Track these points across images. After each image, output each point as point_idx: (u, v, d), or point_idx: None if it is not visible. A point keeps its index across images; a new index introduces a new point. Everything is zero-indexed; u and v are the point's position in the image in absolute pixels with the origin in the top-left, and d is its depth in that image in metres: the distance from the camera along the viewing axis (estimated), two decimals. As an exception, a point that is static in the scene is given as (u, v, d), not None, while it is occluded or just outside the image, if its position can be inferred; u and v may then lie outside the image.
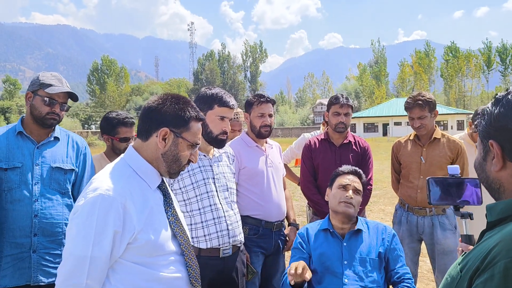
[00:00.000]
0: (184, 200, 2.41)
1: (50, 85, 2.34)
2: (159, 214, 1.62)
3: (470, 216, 1.61)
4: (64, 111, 2.43)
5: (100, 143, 33.74)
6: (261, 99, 3.03)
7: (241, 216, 2.66)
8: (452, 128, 49.49)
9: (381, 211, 8.53)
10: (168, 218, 1.65)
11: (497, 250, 0.91)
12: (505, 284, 0.87)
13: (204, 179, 2.44)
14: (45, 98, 2.34)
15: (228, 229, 2.43)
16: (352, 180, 2.56)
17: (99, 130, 3.16)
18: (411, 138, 3.51)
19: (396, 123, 51.18)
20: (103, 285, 1.51)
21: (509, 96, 1.02)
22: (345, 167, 2.65)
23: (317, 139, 3.53)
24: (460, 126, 50.52)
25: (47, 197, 2.33)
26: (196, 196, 2.40)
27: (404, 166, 3.47)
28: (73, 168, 2.46)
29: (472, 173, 3.09)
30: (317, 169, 3.42)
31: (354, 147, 3.44)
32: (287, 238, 3.11)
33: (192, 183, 2.41)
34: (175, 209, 1.71)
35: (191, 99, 1.81)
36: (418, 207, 3.37)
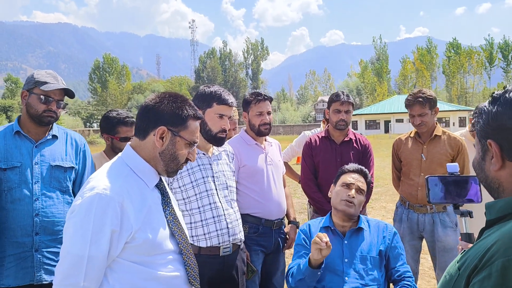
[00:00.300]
0: (183, 199, 2.40)
1: (45, 83, 2.32)
2: (157, 213, 1.62)
3: (469, 214, 1.60)
4: (61, 109, 2.42)
5: (101, 142, 33.78)
6: (259, 98, 3.01)
7: (241, 214, 2.65)
8: (454, 125, 49.38)
9: (383, 208, 8.53)
10: (166, 217, 1.64)
11: (495, 249, 0.91)
12: (503, 282, 0.86)
13: (203, 177, 2.43)
14: (41, 96, 2.32)
15: (228, 227, 2.42)
16: (356, 179, 2.54)
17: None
18: (412, 135, 3.50)
19: (398, 120, 51.08)
20: (101, 284, 1.51)
21: (507, 95, 1.01)
22: (351, 165, 2.64)
23: (318, 136, 3.51)
24: (462, 122, 50.41)
25: (48, 196, 2.33)
26: (196, 194, 2.40)
27: (405, 164, 3.46)
28: (73, 165, 2.46)
29: (473, 171, 3.08)
30: (318, 167, 3.41)
31: (355, 144, 3.43)
32: (287, 236, 3.11)
33: (192, 182, 2.41)
34: (173, 208, 1.70)
35: (192, 97, 1.81)
36: (418, 204, 3.36)
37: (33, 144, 2.35)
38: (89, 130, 47.15)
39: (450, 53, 75.18)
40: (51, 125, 2.43)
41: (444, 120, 49.93)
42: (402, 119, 49.86)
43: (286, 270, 2.60)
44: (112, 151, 2.98)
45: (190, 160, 1.70)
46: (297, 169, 4.39)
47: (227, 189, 2.53)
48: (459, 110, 51.60)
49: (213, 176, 2.48)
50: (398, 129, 44.18)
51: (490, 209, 1.03)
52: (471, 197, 1.57)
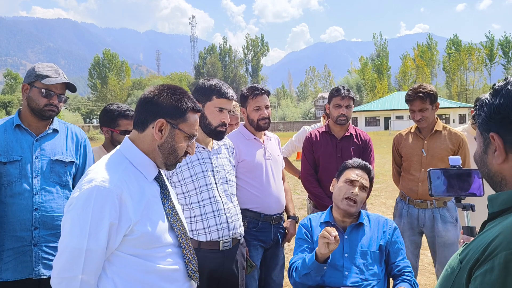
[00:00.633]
0: (183, 193, 2.39)
1: (47, 76, 2.30)
2: (156, 206, 1.61)
3: (471, 207, 1.59)
4: (62, 103, 2.39)
5: (101, 137, 33.76)
6: (255, 92, 2.98)
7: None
8: (454, 121, 49.37)
9: (383, 204, 8.53)
10: (165, 210, 1.63)
11: (497, 242, 0.90)
12: (505, 276, 0.86)
13: (203, 171, 2.42)
14: (42, 90, 2.30)
15: (227, 222, 2.41)
16: (360, 176, 2.52)
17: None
18: (412, 130, 3.48)
19: (398, 117, 51.07)
20: (100, 277, 1.50)
21: (509, 87, 0.99)
22: (355, 161, 2.60)
23: (318, 131, 3.50)
24: (462, 119, 50.39)
25: (48, 190, 2.31)
26: (195, 188, 2.39)
27: (405, 159, 3.45)
28: (73, 160, 2.44)
29: (474, 165, 3.06)
30: (318, 162, 3.40)
31: (355, 139, 3.41)
32: (286, 231, 3.10)
33: (191, 176, 2.39)
34: (172, 201, 1.69)
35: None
36: (419, 200, 3.35)
37: (33, 138, 2.33)
38: (88, 126, 47.13)
39: (450, 50, 75.10)
40: (52, 119, 2.42)
41: (444, 117, 49.89)
42: (402, 116, 49.84)
43: (286, 264, 2.59)
44: (111, 144, 2.97)
45: (189, 153, 1.69)
46: (297, 165, 4.38)
47: (227, 183, 2.52)
48: (459, 107, 51.55)
49: (212, 170, 2.46)
50: (398, 126, 44.17)
51: (493, 202, 1.02)
52: (473, 190, 1.56)
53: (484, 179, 1.14)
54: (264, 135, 3.11)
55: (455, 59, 72.82)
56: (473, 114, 3.60)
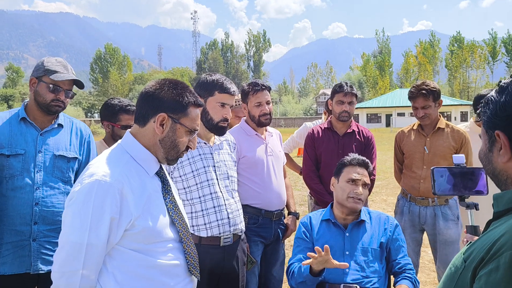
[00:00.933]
0: (184, 188, 2.38)
1: (56, 72, 2.28)
2: (157, 201, 1.60)
3: (475, 206, 1.58)
4: (69, 98, 2.39)
5: (102, 132, 33.77)
6: (256, 88, 2.96)
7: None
8: (456, 119, 49.27)
9: (383, 201, 8.53)
10: (166, 205, 1.63)
11: (502, 241, 0.89)
12: (510, 275, 0.85)
13: (204, 167, 2.41)
14: (50, 85, 2.28)
15: (228, 217, 2.40)
16: (362, 174, 2.50)
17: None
18: (415, 127, 3.46)
19: (400, 114, 51.00)
20: (100, 272, 1.50)
21: None
22: (352, 157, 2.58)
23: (320, 128, 3.48)
24: (464, 117, 50.30)
25: (49, 185, 2.30)
26: (197, 184, 2.38)
27: (407, 156, 3.43)
28: (76, 156, 2.43)
29: (476, 163, 3.04)
30: (320, 158, 3.39)
31: (357, 136, 3.40)
32: (286, 227, 3.09)
33: (193, 171, 2.38)
34: (173, 196, 1.68)
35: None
36: (420, 197, 3.33)
37: (38, 132, 2.32)
38: (90, 120, 47.18)
39: (453, 47, 74.83)
40: (57, 114, 2.40)
41: (446, 115, 49.80)
42: (404, 113, 49.77)
43: (285, 261, 2.58)
44: (112, 139, 2.95)
45: (191, 148, 1.68)
46: (298, 161, 4.37)
47: (228, 179, 2.50)
48: (461, 105, 51.45)
49: (214, 166, 2.45)
50: (400, 123, 44.14)
51: (498, 201, 1.01)
52: (480, 188, 1.54)
53: (489, 177, 1.12)
54: (266, 130, 3.10)
55: (458, 57, 72.58)
56: (477, 111, 3.54)
